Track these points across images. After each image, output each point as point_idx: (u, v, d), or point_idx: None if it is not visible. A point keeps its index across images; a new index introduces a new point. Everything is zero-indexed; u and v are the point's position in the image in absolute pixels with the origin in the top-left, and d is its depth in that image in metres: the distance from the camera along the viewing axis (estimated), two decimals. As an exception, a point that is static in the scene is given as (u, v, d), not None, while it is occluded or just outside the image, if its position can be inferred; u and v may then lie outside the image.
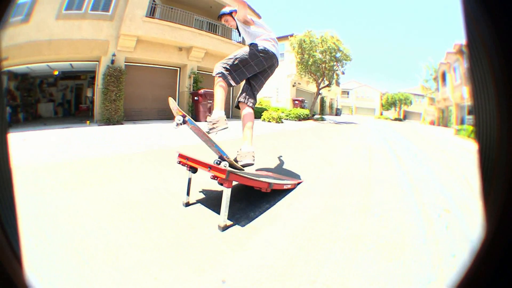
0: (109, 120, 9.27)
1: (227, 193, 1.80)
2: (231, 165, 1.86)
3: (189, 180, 2.23)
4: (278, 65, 2.50)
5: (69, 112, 15.28)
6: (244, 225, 1.89)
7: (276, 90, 20.22)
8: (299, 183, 2.87)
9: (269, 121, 11.83)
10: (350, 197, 2.58)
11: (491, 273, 0.38)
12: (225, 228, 1.81)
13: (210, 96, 10.12)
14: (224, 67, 2.28)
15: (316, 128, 11.27)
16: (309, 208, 2.27)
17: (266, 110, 13.59)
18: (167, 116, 11.12)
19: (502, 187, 0.38)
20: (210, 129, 2.17)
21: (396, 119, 38.57)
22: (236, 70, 2.29)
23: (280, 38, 20.14)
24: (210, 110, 10.34)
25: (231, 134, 4.28)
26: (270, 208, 2.22)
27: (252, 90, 2.49)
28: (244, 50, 2.32)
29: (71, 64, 11.12)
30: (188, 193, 2.22)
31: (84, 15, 9.63)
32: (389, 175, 3.52)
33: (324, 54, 15.48)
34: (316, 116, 17.39)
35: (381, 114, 43.54)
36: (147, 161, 3.82)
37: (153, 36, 10.23)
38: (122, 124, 9.26)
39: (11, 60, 9.19)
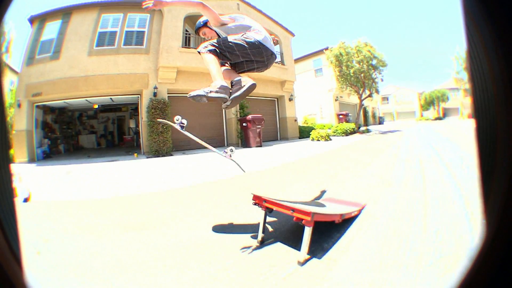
0: (158, 152, 9.09)
1: (308, 231, 1.87)
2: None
3: (264, 219, 2.25)
4: (270, 64, 2.28)
5: (112, 143, 15.66)
6: (321, 257, 1.95)
7: (320, 107, 20.11)
8: (363, 208, 2.90)
9: (318, 139, 11.84)
10: (410, 216, 2.64)
11: (491, 273, 0.38)
12: (304, 262, 1.85)
13: (259, 121, 9.68)
14: (209, 44, 2.18)
15: (365, 142, 10.91)
16: (375, 232, 2.35)
17: (313, 129, 13.73)
18: (217, 144, 10.85)
19: (502, 187, 0.38)
20: (210, 91, 2.03)
21: (436, 119, 37.08)
22: (221, 49, 2.17)
23: (315, 53, 19.71)
24: (260, 135, 9.86)
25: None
26: (341, 237, 2.28)
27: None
28: (233, 38, 2.16)
29: (111, 98, 11.19)
30: (263, 232, 2.24)
31: (117, 50, 9.69)
32: (441, 187, 3.58)
33: (361, 63, 14.97)
34: (361, 129, 16.69)
35: (421, 115, 41.55)
36: (206, 195, 3.89)
37: (193, 66, 10.08)
38: (171, 155, 9.04)
39: (45, 96, 9.40)
